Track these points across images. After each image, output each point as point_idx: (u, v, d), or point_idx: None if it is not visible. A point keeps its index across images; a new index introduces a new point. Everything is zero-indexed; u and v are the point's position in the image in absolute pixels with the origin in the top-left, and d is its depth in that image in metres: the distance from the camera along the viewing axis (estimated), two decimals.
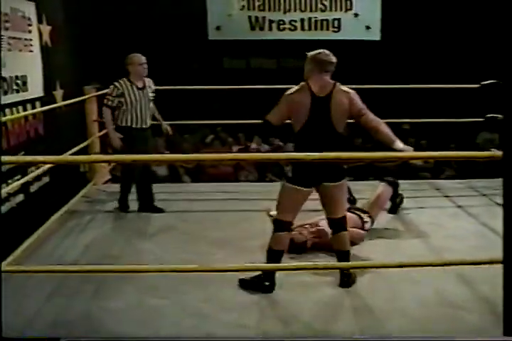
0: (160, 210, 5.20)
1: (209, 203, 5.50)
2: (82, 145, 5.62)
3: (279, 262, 3.57)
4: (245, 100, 8.76)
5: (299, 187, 3.50)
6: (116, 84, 4.98)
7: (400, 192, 5.10)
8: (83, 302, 3.43)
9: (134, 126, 5.02)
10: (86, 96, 5.98)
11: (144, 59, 5.02)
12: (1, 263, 2.40)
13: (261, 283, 3.55)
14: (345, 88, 3.67)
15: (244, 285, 3.60)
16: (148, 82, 5.14)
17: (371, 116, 3.64)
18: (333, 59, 3.68)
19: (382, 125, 3.66)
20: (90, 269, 3.32)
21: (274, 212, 3.86)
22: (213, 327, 3.13)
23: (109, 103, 5.02)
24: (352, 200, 5.08)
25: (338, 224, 3.65)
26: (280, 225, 3.58)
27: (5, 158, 2.50)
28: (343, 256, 3.65)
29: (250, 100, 8.71)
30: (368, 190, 5.79)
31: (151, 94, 5.13)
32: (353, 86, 6.68)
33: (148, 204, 5.24)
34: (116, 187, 5.60)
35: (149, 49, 7.87)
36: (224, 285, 3.61)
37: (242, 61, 9.83)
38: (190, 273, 3.41)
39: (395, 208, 5.07)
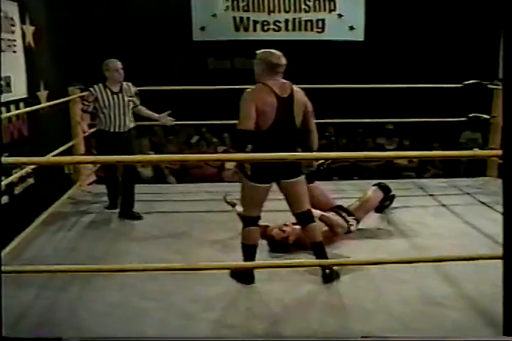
0: (138, 217, 5.10)
1: (195, 203, 5.50)
2: (66, 146, 5.60)
3: (254, 255, 3.73)
4: (230, 100, 8.76)
5: (258, 184, 3.62)
6: (91, 89, 5.03)
7: (392, 193, 5.14)
8: (68, 302, 3.42)
9: (110, 130, 5.01)
10: (70, 97, 5.97)
11: (119, 64, 5.03)
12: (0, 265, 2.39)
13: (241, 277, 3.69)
14: (297, 88, 3.81)
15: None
16: (127, 86, 5.11)
17: (313, 118, 3.85)
18: (284, 60, 3.75)
19: (316, 130, 3.89)
20: (75, 269, 3.31)
21: (239, 208, 4.07)
22: (199, 327, 3.14)
23: (85, 108, 5.09)
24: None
25: (305, 217, 3.75)
26: (248, 221, 3.73)
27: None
28: (318, 247, 3.73)
29: (235, 100, 8.71)
30: (351, 190, 5.86)
31: (127, 99, 5.06)
32: (337, 85, 6.79)
33: (127, 211, 5.14)
34: (101, 188, 5.59)
35: (133, 49, 7.88)
36: (210, 284, 3.62)
37: (226, 61, 9.83)
38: (176, 271, 3.41)
39: (382, 208, 5.10)
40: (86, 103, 5.06)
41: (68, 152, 5.65)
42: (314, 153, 3.13)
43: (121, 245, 4.43)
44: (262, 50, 3.76)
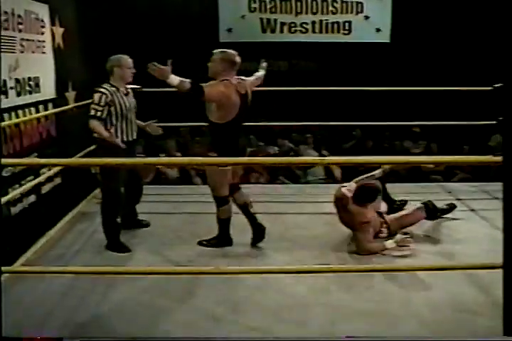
0: (145, 225, 4.87)
1: None
2: (93, 147, 5.63)
3: (229, 225, 4.41)
4: (257, 102, 8.75)
5: (227, 167, 4.17)
6: (103, 90, 4.27)
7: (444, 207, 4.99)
8: (94, 303, 3.43)
9: (123, 139, 4.33)
10: None
11: (131, 62, 4.45)
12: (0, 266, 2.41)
13: (221, 241, 4.36)
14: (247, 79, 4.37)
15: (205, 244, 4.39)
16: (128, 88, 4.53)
17: None
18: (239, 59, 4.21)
19: None
20: (101, 270, 3.33)
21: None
22: (225, 330, 3.12)
23: (98, 114, 4.24)
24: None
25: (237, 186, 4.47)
26: (223, 200, 4.32)
27: (6, 161, 2.51)
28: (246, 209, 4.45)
29: (262, 102, 8.70)
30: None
31: (133, 100, 4.51)
32: (364, 88, 6.74)
33: (132, 220, 4.82)
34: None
35: (161, 51, 7.90)
36: (235, 287, 3.61)
37: (253, 63, 9.82)
38: (201, 275, 3.41)
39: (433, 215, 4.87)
40: (99, 108, 4.23)
41: (94, 152, 5.67)
42: (342, 158, 3.09)
43: (147, 245, 4.44)
44: (221, 50, 4.22)
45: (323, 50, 8.61)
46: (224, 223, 4.42)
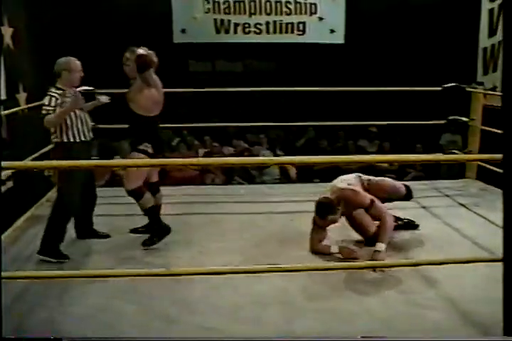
0: (103, 236, 4.67)
1: (176, 206, 5.46)
2: (46, 149, 5.55)
3: (158, 213, 4.46)
4: (211, 103, 8.76)
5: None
6: (52, 94, 4.24)
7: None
8: (47, 308, 3.39)
9: (77, 140, 4.31)
10: None
11: (80, 65, 4.37)
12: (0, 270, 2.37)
13: (160, 232, 4.38)
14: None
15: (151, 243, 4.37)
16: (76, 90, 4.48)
17: None
18: None
19: None
20: (54, 275, 3.29)
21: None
22: (181, 331, 3.12)
23: (50, 112, 4.20)
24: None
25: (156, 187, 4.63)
26: (137, 193, 4.35)
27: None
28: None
29: (216, 103, 8.71)
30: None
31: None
32: (318, 88, 6.81)
33: (88, 229, 4.68)
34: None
35: (113, 51, 7.83)
36: (191, 287, 3.61)
37: (207, 64, 9.82)
38: (155, 277, 3.40)
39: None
40: (50, 108, 4.19)
41: (48, 155, 5.59)
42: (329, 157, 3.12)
43: (99, 247, 4.40)
44: (136, 49, 4.31)
45: (278, 50, 8.67)
46: (151, 212, 4.43)
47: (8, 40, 5.01)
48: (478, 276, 3.70)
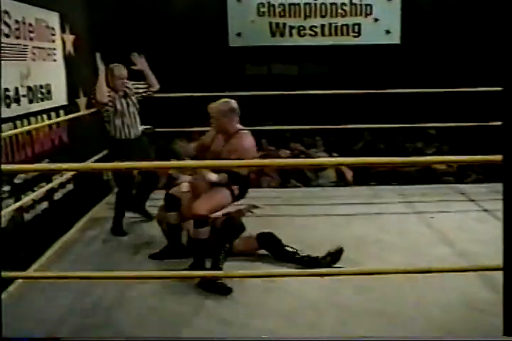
0: (149, 216, 5.13)
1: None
2: (105, 152, 5.68)
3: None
4: (267, 106, 8.77)
5: None
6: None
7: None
8: (106, 308, 3.45)
9: (122, 136, 4.87)
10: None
11: (125, 73, 4.86)
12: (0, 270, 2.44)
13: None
14: None
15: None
16: (130, 86, 4.97)
17: None
18: None
19: None
20: (113, 275, 3.34)
21: None
22: (239, 334, 3.12)
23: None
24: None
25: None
26: (206, 221, 3.87)
27: (6, 167, 2.54)
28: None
29: (272, 106, 8.71)
30: (389, 195, 5.81)
31: (135, 99, 4.98)
32: (374, 91, 6.71)
33: (139, 206, 5.20)
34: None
35: (170, 56, 7.94)
36: (248, 290, 3.61)
37: (263, 67, 9.84)
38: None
39: None
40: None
41: (106, 158, 5.71)
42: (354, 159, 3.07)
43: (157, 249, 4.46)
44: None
45: (333, 53, 8.60)
46: (200, 245, 3.92)
47: (69, 47, 5.15)
48: None
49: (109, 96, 4.75)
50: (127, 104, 4.90)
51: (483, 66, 8.32)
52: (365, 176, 7.68)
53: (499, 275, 3.52)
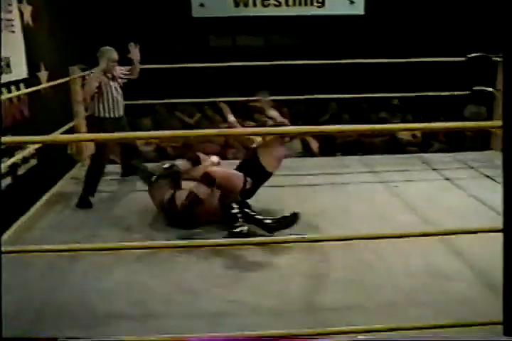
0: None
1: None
2: (68, 127, 5.60)
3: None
4: (232, 77, 8.71)
5: None
6: (94, 71, 5.03)
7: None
8: (73, 282, 3.44)
9: (107, 115, 5.08)
10: (71, 77, 5.93)
11: (116, 56, 5.08)
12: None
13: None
14: None
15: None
16: (118, 70, 5.23)
17: None
18: None
19: None
20: (80, 248, 3.32)
21: None
22: (208, 304, 3.15)
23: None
24: None
25: None
26: None
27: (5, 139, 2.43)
28: None
29: (237, 77, 8.66)
30: (355, 165, 5.88)
31: (121, 81, 5.26)
32: (338, 61, 6.71)
33: (131, 170, 5.40)
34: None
35: (132, 27, 7.80)
36: (215, 261, 3.64)
37: (228, 39, 9.74)
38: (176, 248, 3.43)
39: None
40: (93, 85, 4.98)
41: (70, 132, 5.63)
42: (324, 127, 3.08)
43: (125, 223, 4.44)
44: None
45: (297, 23, 8.56)
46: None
47: (27, 17, 5.01)
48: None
49: (97, 78, 4.97)
50: (114, 86, 5.14)
51: (446, 36, 8.39)
52: (330, 147, 7.74)
53: (461, 241, 3.63)
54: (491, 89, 6.12)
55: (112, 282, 3.44)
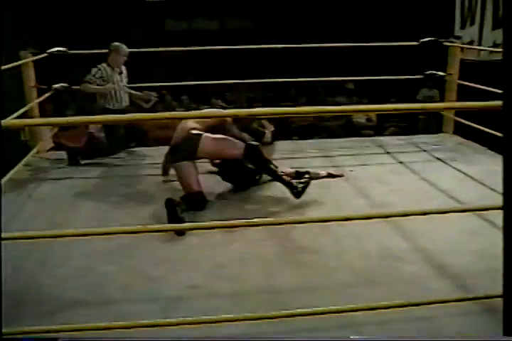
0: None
1: (155, 167, 5.46)
2: (21, 112, 5.49)
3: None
4: (188, 62, 8.66)
5: None
6: (100, 67, 5.54)
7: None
8: (31, 270, 3.42)
9: (112, 107, 5.62)
10: (22, 61, 5.80)
11: (128, 52, 5.61)
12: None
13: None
14: None
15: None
16: (124, 68, 5.78)
17: None
18: None
19: None
20: (36, 235, 3.28)
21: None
22: (164, 290, 3.17)
23: (90, 81, 5.54)
24: None
25: None
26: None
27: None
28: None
29: (194, 62, 8.62)
30: (311, 149, 5.94)
31: (125, 80, 5.80)
32: (293, 45, 6.73)
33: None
34: (59, 155, 5.59)
35: (86, 11, 7.67)
36: (172, 246, 3.66)
37: (183, 23, 9.66)
38: (136, 234, 3.42)
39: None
40: (92, 78, 5.52)
41: (22, 117, 5.52)
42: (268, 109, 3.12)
43: (81, 210, 4.41)
44: None
45: (255, 8, 8.55)
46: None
47: None
48: (452, 229, 3.78)
49: (111, 76, 5.56)
50: (121, 80, 5.69)
51: (401, 20, 8.50)
52: (287, 131, 7.80)
53: (410, 223, 3.72)
54: (442, 74, 6.24)
55: (67, 268, 3.42)
